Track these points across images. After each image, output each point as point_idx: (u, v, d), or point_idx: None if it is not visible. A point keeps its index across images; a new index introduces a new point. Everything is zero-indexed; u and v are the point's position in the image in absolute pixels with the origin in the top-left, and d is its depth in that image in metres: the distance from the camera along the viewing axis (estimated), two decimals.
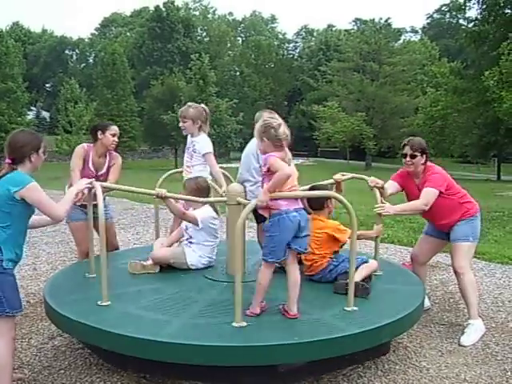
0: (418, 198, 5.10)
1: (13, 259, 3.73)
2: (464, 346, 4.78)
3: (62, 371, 4.34)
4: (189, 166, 5.77)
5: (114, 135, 5.83)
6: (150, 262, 5.10)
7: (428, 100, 41.38)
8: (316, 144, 56.84)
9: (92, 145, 5.88)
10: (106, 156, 5.89)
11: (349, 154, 55.60)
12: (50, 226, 10.65)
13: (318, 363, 3.70)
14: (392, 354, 4.59)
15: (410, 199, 5.29)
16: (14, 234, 3.69)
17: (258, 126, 3.90)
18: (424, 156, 5.10)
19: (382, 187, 5.10)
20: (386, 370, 4.28)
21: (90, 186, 4.43)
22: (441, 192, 4.98)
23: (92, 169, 5.77)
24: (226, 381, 3.97)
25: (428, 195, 4.96)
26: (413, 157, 5.07)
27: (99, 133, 5.78)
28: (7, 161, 3.73)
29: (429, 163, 5.18)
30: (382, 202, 4.97)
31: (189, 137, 5.85)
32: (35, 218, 4.16)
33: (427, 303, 5.70)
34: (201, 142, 5.70)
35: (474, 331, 4.98)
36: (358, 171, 41.58)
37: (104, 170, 5.87)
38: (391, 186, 5.33)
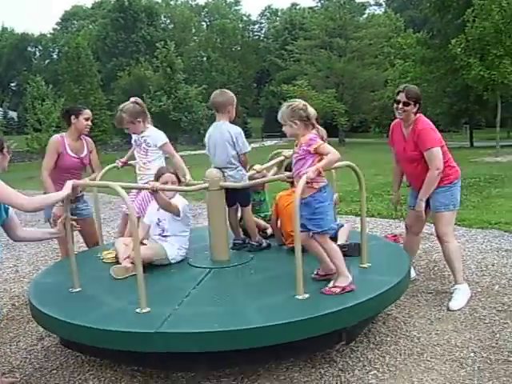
0: (404, 149, 5.09)
1: None
2: (452, 311, 4.85)
3: (55, 371, 4.30)
4: (145, 162, 5.40)
5: (87, 119, 5.74)
6: (129, 264, 4.64)
7: (397, 72, 41.42)
8: None
9: (64, 134, 5.78)
10: (82, 139, 5.82)
11: None
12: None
13: (312, 340, 3.69)
14: (382, 325, 4.63)
15: (399, 154, 5.24)
16: None
17: (283, 110, 3.99)
18: (417, 105, 4.99)
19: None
20: (378, 342, 4.32)
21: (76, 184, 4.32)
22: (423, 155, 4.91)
23: (72, 154, 5.67)
24: (222, 366, 3.97)
25: (433, 157, 4.86)
26: (406, 104, 4.95)
27: (72, 117, 5.68)
28: None
29: (421, 115, 5.08)
30: None
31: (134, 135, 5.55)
32: (28, 231, 4.12)
33: (413, 273, 5.75)
34: (152, 135, 5.41)
35: (462, 295, 5.05)
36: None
37: (85, 153, 5.81)
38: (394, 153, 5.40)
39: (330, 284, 3.96)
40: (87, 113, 5.78)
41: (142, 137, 5.40)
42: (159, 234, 4.98)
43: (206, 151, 5.13)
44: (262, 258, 4.98)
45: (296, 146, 4.04)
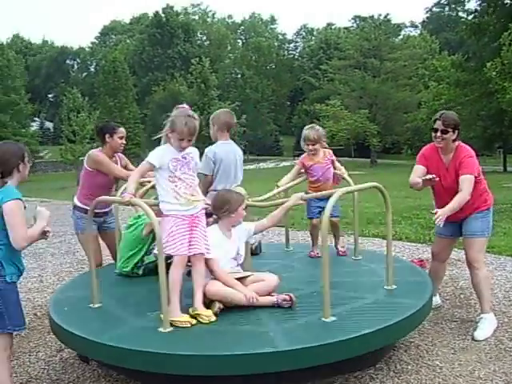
0: (444, 177, 4.90)
1: (15, 273, 3.69)
2: (477, 341, 4.70)
3: None
4: (193, 185, 4.10)
5: (121, 138, 5.73)
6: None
7: (430, 94, 41.24)
8: None
9: (100, 149, 5.79)
10: (114, 156, 5.82)
11: (354, 152, 55.49)
12: (55, 237, 10.69)
13: (330, 365, 3.62)
14: (404, 353, 4.52)
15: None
16: (11, 249, 3.62)
17: (320, 131, 5.69)
18: (456, 132, 4.84)
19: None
20: (399, 370, 4.21)
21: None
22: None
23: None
24: None
25: (468, 183, 4.71)
26: (444, 132, 4.80)
27: (107, 136, 5.67)
28: None
29: (461, 143, 4.93)
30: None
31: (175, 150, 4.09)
32: None
33: (438, 300, 5.62)
34: (196, 154, 4.27)
35: (488, 324, 4.89)
36: (364, 168, 41.63)
37: None
38: (419, 171, 5.02)
39: None
40: (121, 131, 5.75)
41: (190, 153, 4.16)
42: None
43: (212, 169, 4.97)
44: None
45: (315, 158, 5.67)
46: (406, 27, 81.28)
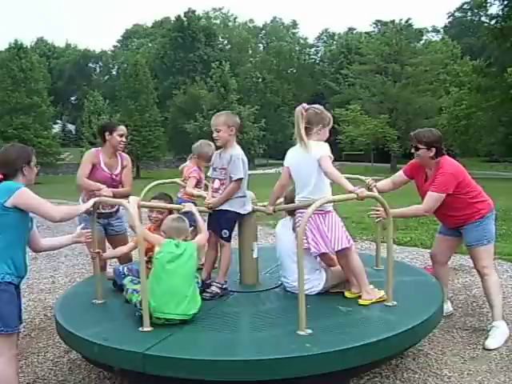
0: (422, 188, 4.98)
1: (10, 272, 3.64)
2: (488, 350, 4.63)
3: None
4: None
5: (121, 135, 5.66)
6: None
7: (451, 99, 40.92)
8: (340, 148, 56.46)
9: (100, 148, 5.76)
10: (116, 156, 5.75)
11: (373, 157, 55.17)
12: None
13: (333, 373, 3.56)
14: (412, 361, 4.45)
15: (419, 191, 5.10)
16: (7, 247, 3.62)
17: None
18: (432, 150, 4.83)
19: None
20: (405, 379, 4.15)
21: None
22: (448, 194, 4.77)
23: (105, 169, 5.61)
24: None
25: (430, 200, 4.79)
26: (416, 149, 4.90)
27: (106, 134, 5.62)
28: None
29: (445, 158, 4.91)
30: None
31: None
32: (47, 240, 4.18)
33: (449, 308, 5.55)
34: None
35: (500, 334, 4.82)
36: (384, 174, 41.30)
37: (118, 170, 5.72)
38: (396, 176, 5.30)
39: None
40: (122, 129, 5.70)
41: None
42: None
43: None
44: None
45: None
46: (428, 32, 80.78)
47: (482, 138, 35.97)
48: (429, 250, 8.46)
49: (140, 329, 3.79)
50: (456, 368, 4.32)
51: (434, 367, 4.34)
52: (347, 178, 4.12)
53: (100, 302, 4.55)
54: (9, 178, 3.68)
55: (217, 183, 4.63)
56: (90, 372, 4.53)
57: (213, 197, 4.60)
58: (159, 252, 3.91)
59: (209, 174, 4.85)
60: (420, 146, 4.86)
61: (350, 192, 3.88)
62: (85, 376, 4.48)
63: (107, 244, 5.83)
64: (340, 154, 61.22)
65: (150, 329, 3.77)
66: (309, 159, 4.14)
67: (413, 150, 4.96)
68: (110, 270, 5.24)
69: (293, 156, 4.37)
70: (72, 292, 5.23)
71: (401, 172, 5.30)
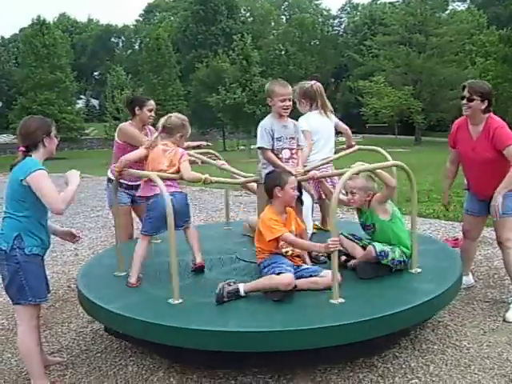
0: (472, 149, 4.81)
1: (37, 244, 3.71)
2: (509, 322, 4.60)
3: (99, 354, 4.40)
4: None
5: (151, 110, 5.75)
6: None
7: (477, 70, 40.13)
8: (364, 120, 55.95)
9: (130, 122, 5.83)
10: (145, 129, 5.82)
11: (397, 129, 54.63)
12: (93, 212, 10.87)
13: (353, 345, 3.59)
14: (431, 332, 4.45)
15: (465, 155, 4.94)
16: (32, 221, 3.68)
17: None
18: (485, 102, 4.69)
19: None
20: (424, 349, 4.14)
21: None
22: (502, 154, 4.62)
23: None
24: (266, 366, 3.91)
25: None
26: (470, 100, 4.70)
27: (136, 108, 5.71)
28: (21, 149, 3.70)
29: (493, 115, 4.80)
30: None
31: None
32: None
33: (471, 280, 5.52)
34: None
35: None
36: (408, 146, 40.89)
37: None
38: (450, 155, 5.22)
39: None
40: (151, 104, 5.78)
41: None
42: None
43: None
44: None
45: None
46: (453, 1, 78.84)
47: (508, 109, 35.31)
48: (450, 222, 8.49)
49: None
50: (475, 339, 4.30)
51: (454, 338, 4.33)
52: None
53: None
54: (30, 151, 3.70)
55: (287, 153, 4.62)
56: (112, 342, 4.61)
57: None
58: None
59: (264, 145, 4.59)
60: (475, 97, 4.69)
61: None
62: (107, 345, 4.57)
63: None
64: (364, 126, 60.92)
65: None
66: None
67: (464, 101, 4.76)
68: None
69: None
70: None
71: (450, 149, 5.18)
